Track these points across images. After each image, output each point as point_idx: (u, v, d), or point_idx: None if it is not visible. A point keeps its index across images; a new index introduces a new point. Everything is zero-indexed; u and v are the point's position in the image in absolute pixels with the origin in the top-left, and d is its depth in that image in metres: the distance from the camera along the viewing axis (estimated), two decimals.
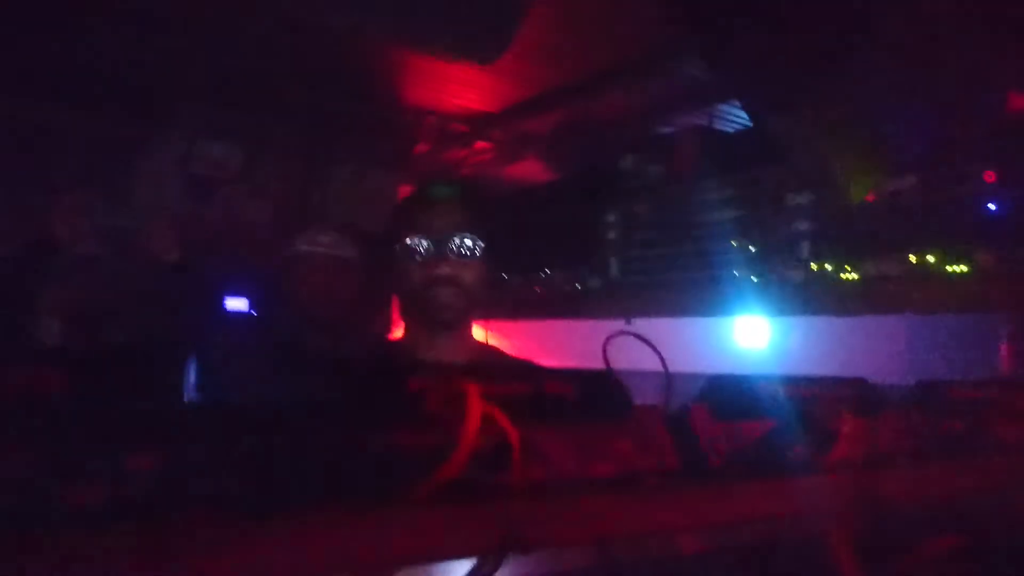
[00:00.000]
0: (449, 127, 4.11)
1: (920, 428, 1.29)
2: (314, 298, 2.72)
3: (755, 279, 2.73)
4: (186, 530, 0.69)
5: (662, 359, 1.27)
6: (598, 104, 3.58)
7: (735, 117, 3.27)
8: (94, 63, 3.15)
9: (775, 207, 2.61)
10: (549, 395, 0.96)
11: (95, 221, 3.06)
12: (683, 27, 1.70)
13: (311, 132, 3.68)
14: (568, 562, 0.80)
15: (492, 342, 2.46)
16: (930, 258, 2.19)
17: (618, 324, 3.32)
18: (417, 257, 2.04)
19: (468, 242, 2.05)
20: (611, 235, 3.25)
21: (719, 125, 3.32)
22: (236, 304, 3.38)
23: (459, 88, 3.69)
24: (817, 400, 1.18)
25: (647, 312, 3.24)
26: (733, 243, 2.81)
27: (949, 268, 2.14)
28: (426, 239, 2.05)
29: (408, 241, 2.05)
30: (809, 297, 2.56)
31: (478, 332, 2.29)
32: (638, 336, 1.22)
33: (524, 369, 1.87)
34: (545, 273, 3.63)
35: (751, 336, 5.39)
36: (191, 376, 0.99)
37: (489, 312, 3.71)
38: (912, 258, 2.23)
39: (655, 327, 3.61)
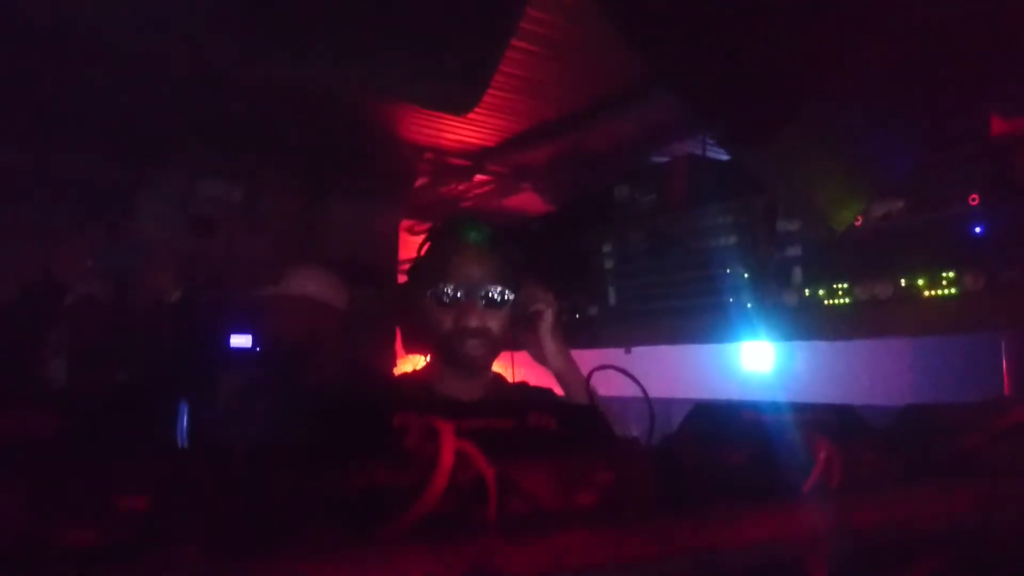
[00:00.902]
0: (448, 161, 4.16)
1: (903, 452, 1.31)
2: (295, 339, 2.75)
3: (750, 305, 2.76)
4: (171, 572, 0.72)
5: (644, 390, 1.30)
6: (591, 135, 3.64)
7: None
8: (94, 105, 3.22)
9: (766, 234, 2.64)
10: (530, 429, 0.99)
11: (97, 261, 3.12)
12: (647, 63, 1.74)
13: (310, 168, 3.74)
14: None
15: (513, 372, 2.48)
16: (918, 281, 2.22)
17: (617, 353, 3.34)
18: (446, 301, 2.01)
19: (498, 292, 2.02)
20: (607, 264, 3.29)
21: (712, 153, 3.37)
22: (238, 341, 3.42)
23: (456, 123, 3.75)
24: (797, 427, 1.20)
25: (644, 340, 3.27)
26: (727, 270, 2.84)
27: (937, 291, 2.17)
28: (457, 287, 2.01)
29: (438, 286, 2.01)
30: (802, 322, 2.59)
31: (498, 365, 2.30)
32: (618, 369, 1.25)
33: (507, 404, 1.89)
34: None
35: (748, 361, 5.40)
36: (182, 416, 1.02)
37: None
38: (901, 282, 2.26)
39: (656, 354, 3.63)
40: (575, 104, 3.48)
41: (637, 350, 3.26)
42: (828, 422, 1.29)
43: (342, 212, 4.01)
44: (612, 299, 3.28)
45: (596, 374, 1.46)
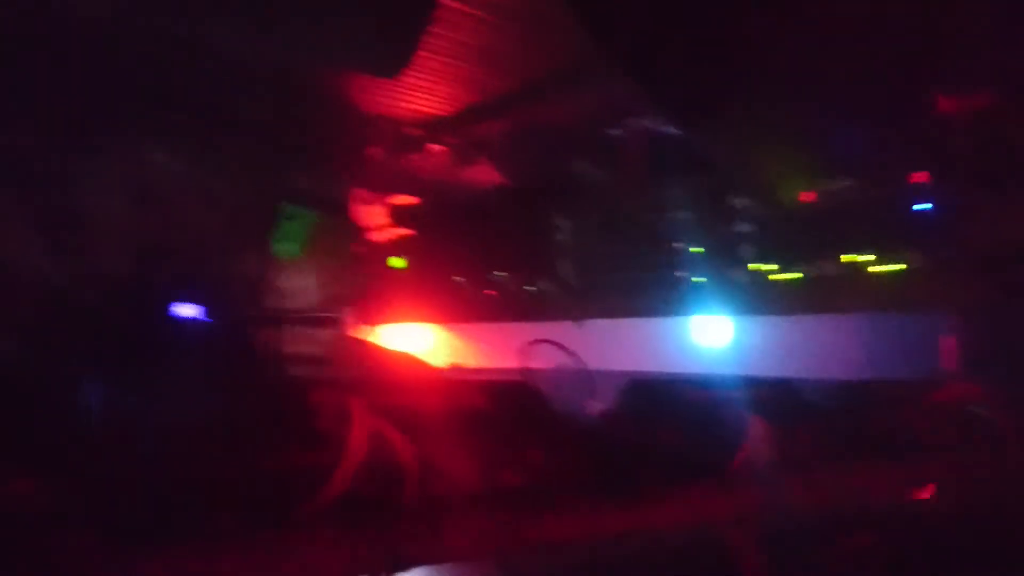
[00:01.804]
0: (401, 131, 4.09)
1: (837, 429, 1.32)
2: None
3: (700, 280, 2.76)
4: (64, 555, 0.68)
5: (583, 364, 1.29)
6: (548, 108, 3.59)
7: None
8: (46, 73, 3.09)
9: (717, 210, 2.64)
10: (456, 407, 0.96)
11: (43, 233, 3.01)
12: (599, 41, 1.70)
13: (261, 140, 3.64)
14: None
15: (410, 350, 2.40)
16: (864, 258, 2.23)
17: (567, 326, 3.34)
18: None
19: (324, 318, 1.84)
20: (560, 237, 3.27)
21: (667, 128, 3.35)
22: (185, 312, 3.34)
23: (409, 92, 3.68)
24: (732, 404, 1.20)
25: (596, 313, 3.26)
26: (679, 245, 2.84)
27: (882, 268, 2.19)
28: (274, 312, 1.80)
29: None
30: (751, 297, 2.60)
31: (401, 341, 2.23)
32: (556, 343, 1.23)
33: (432, 380, 1.87)
34: (497, 276, 3.64)
35: (699, 334, 5.44)
36: (92, 393, 0.98)
37: (440, 315, 3.71)
38: (847, 258, 2.27)
39: (611, 327, 3.63)
40: (530, 76, 3.43)
41: (593, 322, 3.26)
42: (764, 399, 1.28)
43: (293, 184, 3.92)
44: (564, 272, 3.27)
45: (539, 346, 1.44)
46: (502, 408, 1.06)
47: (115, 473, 0.72)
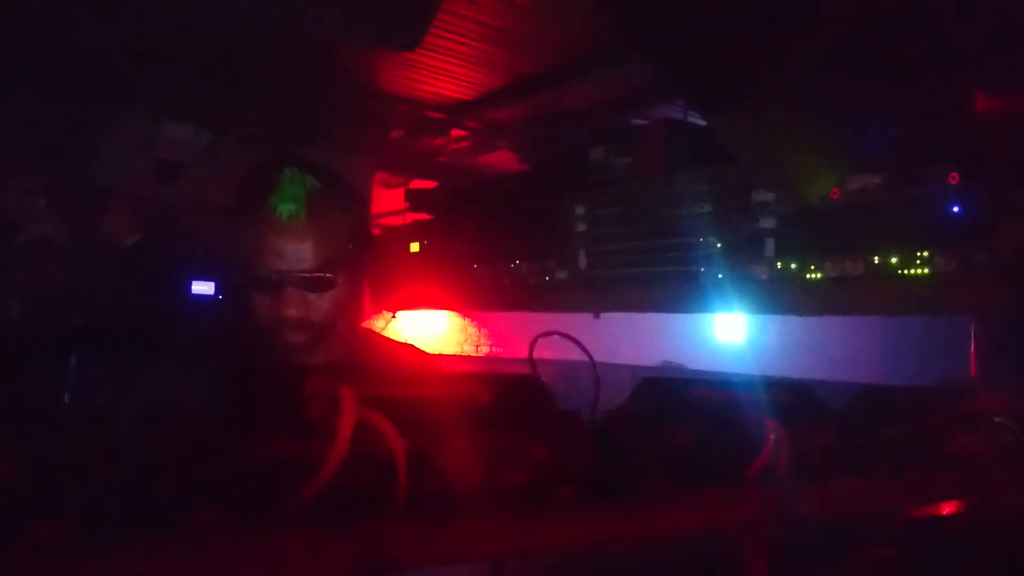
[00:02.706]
0: (424, 114, 4.05)
1: (856, 436, 1.26)
2: None
3: (721, 276, 2.70)
4: (39, 542, 0.65)
5: (591, 358, 1.24)
6: (570, 93, 3.54)
7: None
8: (58, 42, 3.08)
9: (740, 204, 2.57)
10: (454, 400, 0.92)
11: (53, 202, 3.00)
12: (623, 25, 1.64)
13: (278, 116, 3.62)
14: None
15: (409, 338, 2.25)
16: (891, 259, 2.16)
17: (586, 318, 3.29)
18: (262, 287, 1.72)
19: (322, 279, 1.72)
20: (579, 227, 3.22)
21: (692, 118, 3.28)
22: (200, 288, 3.33)
23: (433, 75, 3.64)
24: (747, 406, 1.14)
25: (614, 306, 3.21)
26: (700, 239, 2.78)
27: (909, 270, 2.12)
28: (271, 272, 1.70)
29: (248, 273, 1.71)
30: (773, 296, 2.53)
31: (409, 328, 2.13)
32: (565, 336, 1.18)
33: (432, 370, 1.82)
34: (514, 264, 3.59)
35: (721, 331, 5.37)
36: (73, 372, 0.95)
37: (452, 302, 3.67)
38: (874, 259, 2.21)
39: (628, 321, 3.58)
40: (555, 61, 3.38)
41: (610, 315, 3.22)
42: (781, 401, 1.23)
43: (312, 162, 3.89)
44: (582, 263, 3.21)
45: (547, 338, 1.39)
46: (506, 402, 1.01)
47: (99, 458, 0.68)
